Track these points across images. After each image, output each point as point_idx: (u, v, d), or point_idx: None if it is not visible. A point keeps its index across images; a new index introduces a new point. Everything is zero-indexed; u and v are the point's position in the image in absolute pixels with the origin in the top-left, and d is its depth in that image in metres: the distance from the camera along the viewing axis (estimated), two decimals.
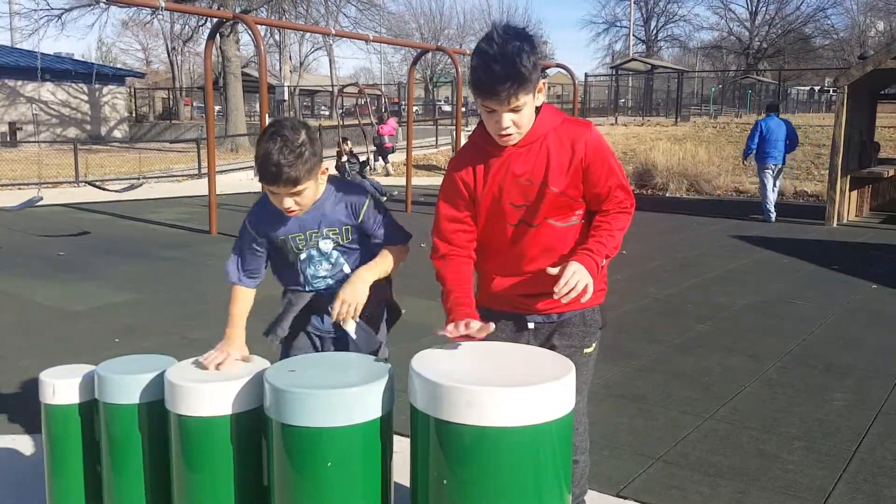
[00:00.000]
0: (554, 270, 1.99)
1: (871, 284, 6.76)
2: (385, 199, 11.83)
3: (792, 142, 10.93)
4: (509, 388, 1.64)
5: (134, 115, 33.27)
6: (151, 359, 2.27)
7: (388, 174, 17.26)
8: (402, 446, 1.95)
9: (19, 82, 26.84)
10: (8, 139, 25.43)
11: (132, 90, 37.79)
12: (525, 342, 2.19)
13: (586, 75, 31.67)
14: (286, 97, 35.73)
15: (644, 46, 52.82)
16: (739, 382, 4.18)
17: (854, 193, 11.33)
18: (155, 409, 2.11)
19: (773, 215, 10.90)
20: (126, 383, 2.14)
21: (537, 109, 2.05)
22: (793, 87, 41.27)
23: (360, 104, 26.71)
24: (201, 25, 29.12)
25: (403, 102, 33.46)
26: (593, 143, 2.07)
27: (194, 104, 42.38)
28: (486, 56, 1.90)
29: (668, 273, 7.25)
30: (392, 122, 17.21)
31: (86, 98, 29.39)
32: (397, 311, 2.57)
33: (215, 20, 11.49)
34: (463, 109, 16.31)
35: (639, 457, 3.25)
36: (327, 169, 2.32)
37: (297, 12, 28.06)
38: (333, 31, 12.89)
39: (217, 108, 27.86)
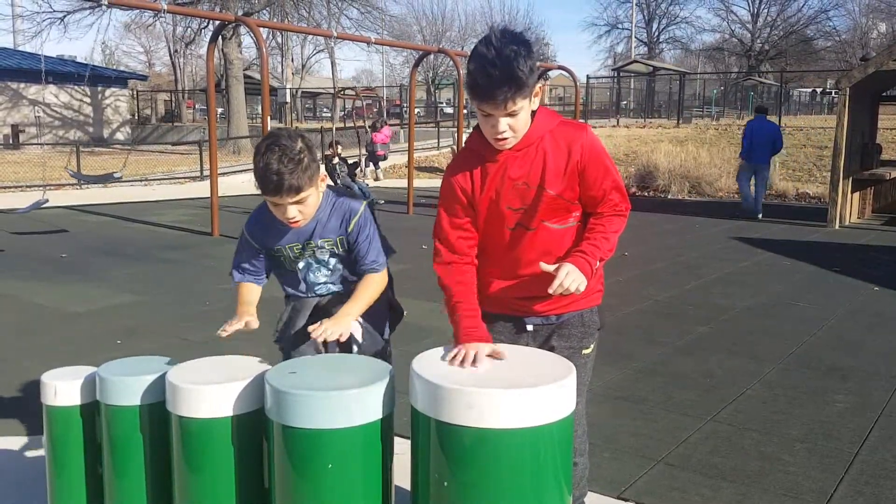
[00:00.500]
0: (548, 267, 2.00)
1: (872, 286, 6.75)
2: (373, 202, 11.85)
3: (776, 144, 11.31)
4: (509, 390, 1.64)
5: (136, 117, 33.31)
6: (152, 360, 2.28)
7: (377, 179, 17.30)
8: (402, 448, 1.95)
9: (22, 84, 26.89)
10: (11, 141, 25.47)
11: (134, 92, 37.85)
12: (524, 344, 2.19)
13: (588, 77, 31.65)
14: (288, 99, 35.71)
15: (646, 48, 52.82)
16: (740, 384, 4.18)
17: (856, 195, 11.32)
18: (156, 411, 2.12)
19: (752, 204, 11.41)
20: (127, 385, 2.14)
21: (533, 112, 2.06)
22: (795, 89, 41.23)
23: (356, 107, 26.77)
24: (203, 28, 29.17)
25: (405, 104, 33.49)
26: (589, 146, 2.07)
27: (196, 106, 42.44)
28: (484, 60, 1.90)
29: (669, 275, 7.24)
30: (387, 129, 17.24)
31: (88, 100, 29.44)
32: (400, 311, 2.58)
33: (217, 23, 11.52)
34: (465, 111, 16.31)
35: (640, 459, 3.25)
36: (326, 176, 2.32)
37: (298, 15, 28.08)
38: (335, 34, 12.90)
39: (219, 110, 27.87)
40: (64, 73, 27.41)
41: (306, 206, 2.24)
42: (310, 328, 2.24)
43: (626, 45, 50.43)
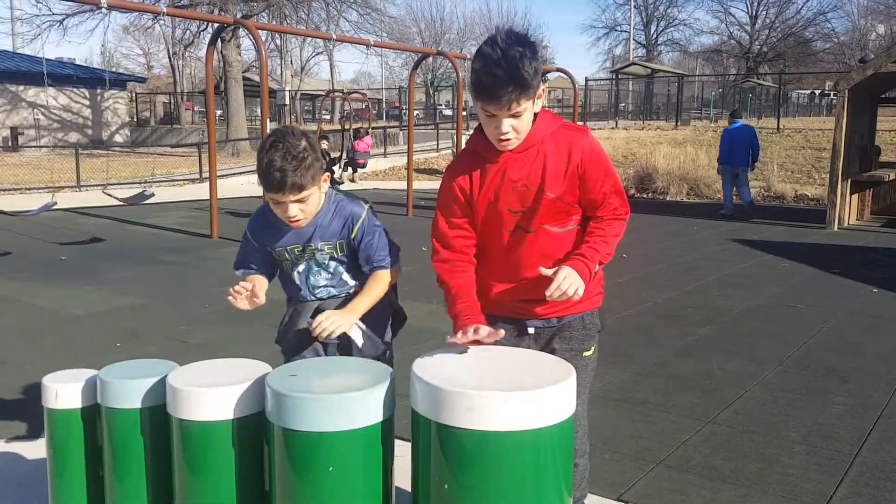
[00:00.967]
0: (548, 271, 2.01)
1: (871, 288, 6.76)
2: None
3: (754, 147, 11.69)
4: (510, 392, 1.64)
5: (136, 119, 33.32)
6: (153, 363, 2.28)
7: (352, 181, 17.35)
8: (403, 450, 1.96)
9: (21, 87, 26.89)
10: (10, 144, 25.47)
11: (133, 95, 37.85)
12: (526, 346, 2.20)
13: (587, 79, 31.69)
14: (287, 101, 35.75)
15: (644, 50, 52.89)
16: (740, 386, 4.18)
17: (855, 197, 11.34)
18: (157, 414, 2.12)
19: (732, 209, 11.86)
20: (128, 388, 2.14)
21: (535, 115, 2.06)
22: (793, 91, 41.30)
23: (358, 110, 26.78)
24: (203, 30, 29.15)
25: (404, 106, 33.51)
26: (590, 149, 2.08)
27: (195, 108, 42.44)
28: (489, 60, 1.90)
29: (669, 277, 7.25)
30: (368, 139, 17.36)
31: (87, 103, 29.44)
32: (403, 316, 2.58)
33: (217, 25, 11.53)
34: (463, 113, 16.35)
35: (640, 461, 3.25)
36: (328, 176, 2.33)
37: (297, 17, 28.08)
38: (334, 36, 12.93)
39: (218, 112, 27.91)
40: (63, 75, 27.43)
41: (308, 205, 2.24)
42: (316, 319, 2.24)
43: (624, 48, 50.46)
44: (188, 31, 31.70)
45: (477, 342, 1.97)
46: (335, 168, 13.76)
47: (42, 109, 27.34)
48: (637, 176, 15.62)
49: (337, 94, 21.87)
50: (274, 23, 25.76)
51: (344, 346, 2.42)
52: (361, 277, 2.42)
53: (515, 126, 1.99)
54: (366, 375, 1.90)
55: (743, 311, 5.93)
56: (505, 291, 2.19)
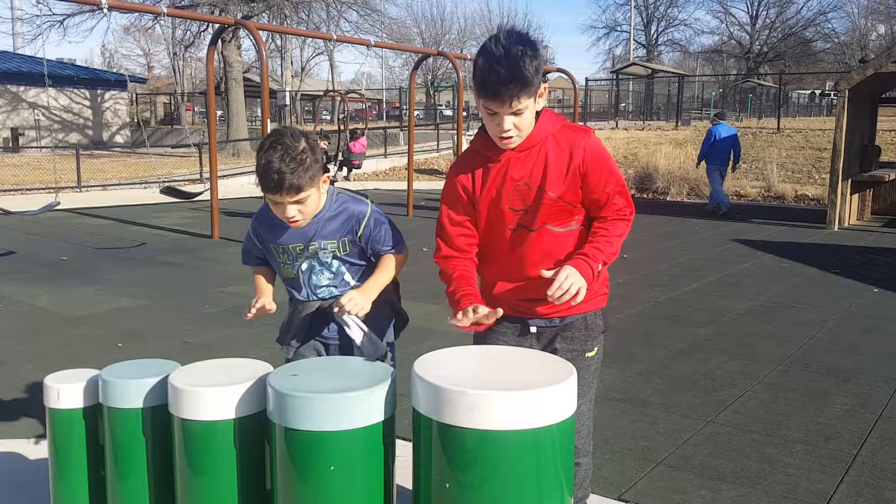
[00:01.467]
0: (548, 273, 2.01)
1: (872, 288, 6.76)
2: None
3: (736, 147, 11.94)
4: (511, 391, 1.65)
5: (136, 120, 33.32)
6: (155, 363, 2.29)
7: (347, 180, 17.44)
8: (404, 450, 1.96)
9: (21, 88, 26.90)
10: (10, 144, 25.48)
11: (134, 95, 37.86)
12: (528, 346, 2.20)
13: (587, 80, 31.71)
14: (287, 102, 35.76)
15: (644, 51, 52.89)
16: (741, 386, 4.19)
17: (855, 197, 11.34)
18: (158, 414, 2.12)
19: (728, 201, 12.19)
20: (129, 388, 2.15)
21: (537, 114, 2.07)
22: (794, 91, 41.27)
23: (359, 110, 26.82)
24: (203, 31, 29.16)
25: (405, 107, 33.51)
26: (592, 149, 2.08)
27: (196, 109, 42.44)
28: (492, 57, 1.92)
29: (669, 277, 7.25)
30: (363, 140, 17.48)
31: (87, 103, 29.45)
32: (405, 318, 2.59)
33: (217, 26, 11.53)
34: (464, 114, 16.38)
35: (640, 461, 3.25)
36: (329, 177, 2.33)
37: (298, 18, 28.09)
38: (335, 37, 12.93)
39: (219, 112, 27.90)
40: (63, 76, 27.44)
41: (306, 206, 2.24)
42: (338, 301, 2.24)
43: (624, 48, 50.48)
44: (189, 32, 31.70)
45: (478, 325, 1.99)
46: (329, 167, 13.84)
47: (43, 110, 27.35)
48: (637, 176, 15.63)
49: (335, 94, 21.89)
50: (274, 23, 25.75)
51: (345, 346, 2.42)
52: (363, 279, 2.42)
53: (517, 123, 2.00)
54: (367, 375, 1.91)
55: (743, 311, 5.93)
56: (507, 290, 2.19)
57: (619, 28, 53.35)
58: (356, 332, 2.33)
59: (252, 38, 9.44)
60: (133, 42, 52.08)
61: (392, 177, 19.04)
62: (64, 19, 26.17)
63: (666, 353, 4.80)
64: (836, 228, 10.54)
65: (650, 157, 16.08)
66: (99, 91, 29.71)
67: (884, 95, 12.57)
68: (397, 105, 41.18)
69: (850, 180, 10.85)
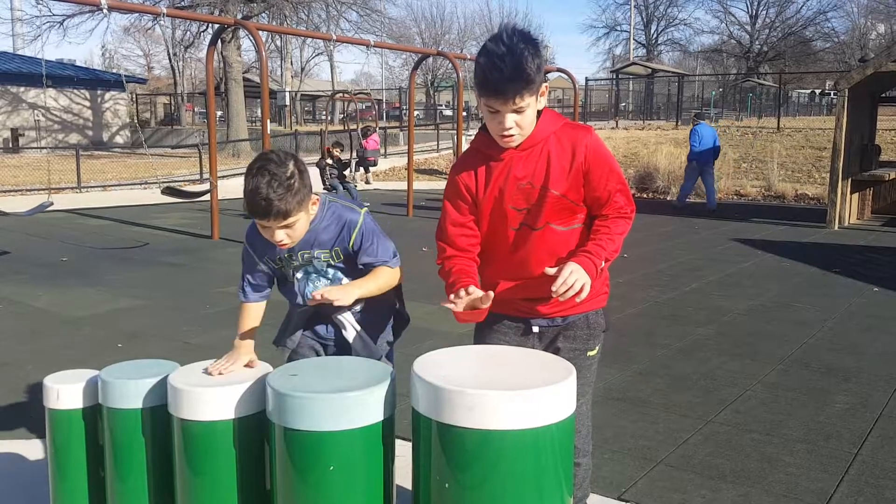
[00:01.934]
0: (552, 271, 2.02)
1: (872, 287, 6.76)
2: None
3: (716, 149, 12.40)
4: (510, 391, 1.65)
5: (136, 120, 33.34)
6: (154, 363, 2.29)
7: (367, 182, 17.37)
8: (404, 450, 1.96)
9: (21, 88, 26.90)
10: (10, 145, 25.49)
11: (134, 96, 37.86)
12: (530, 346, 2.21)
13: (587, 79, 31.70)
14: (287, 102, 35.78)
15: (644, 50, 52.88)
16: (741, 385, 4.19)
17: (855, 196, 11.34)
18: (158, 414, 2.12)
19: (686, 201, 12.67)
20: (129, 388, 2.15)
21: (539, 113, 2.07)
22: (793, 91, 41.28)
23: (361, 110, 26.80)
24: (203, 31, 29.17)
25: (405, 107, 33.51)
26: (593, 147, 2.09)
27: (196, 109, 42.44)
28: (494, 55, 1.92)
29: (670, 276, 7.25)
30: (375, 136, 17.44)
31: (87, 104, 29.45)
32: (406, 318, 2.58)
33: (217, 26, 11.54)
34: (464, 114, 16.37)
35: (640, 460, 3.25)
36: (318, 199, 2.30)
37: (298, 18, 28.09)
38: (334, 37, 12.93)
39: (218, 113, 27.89)
40: (63, 76, 27.43)
41: (294, 230, 2.22)
42: (314, 293, 2.23)
43: (624, 48, 50.46)
44: (188, 33, 31.73)
45: (474, 310, 2.00)
46: (346, 172, 13.75)
47: (42, 111, 27.35)
48: (638, 176, 15.62)
49: (342, 95, 21.89)
50: (274, 24, 25.76)
51: (342, 348, 2.42)
52: None
53: (518, 122, 2.00)
54: (366, 375, 1.91)
55: (744, 310, 5.93)
56: (509, 290, 2.19)
57: (618, 28, 53.37)
58: (349, 331, 2.33)
59: (252, 38, 9.44)
60: (133, 42, 52.11)
61: (392, 177, 19.04)
62: (63, 20, 26.21)
63: (666, 353, 4.79)
64: (836, 228, 10.54)
65: (650, 157, 16.07)
66: (99, 91, 29.70)
67: (884, 95, 12.57)
68: (397, 105, 41.19)
69: (850, 179, 10.85)
